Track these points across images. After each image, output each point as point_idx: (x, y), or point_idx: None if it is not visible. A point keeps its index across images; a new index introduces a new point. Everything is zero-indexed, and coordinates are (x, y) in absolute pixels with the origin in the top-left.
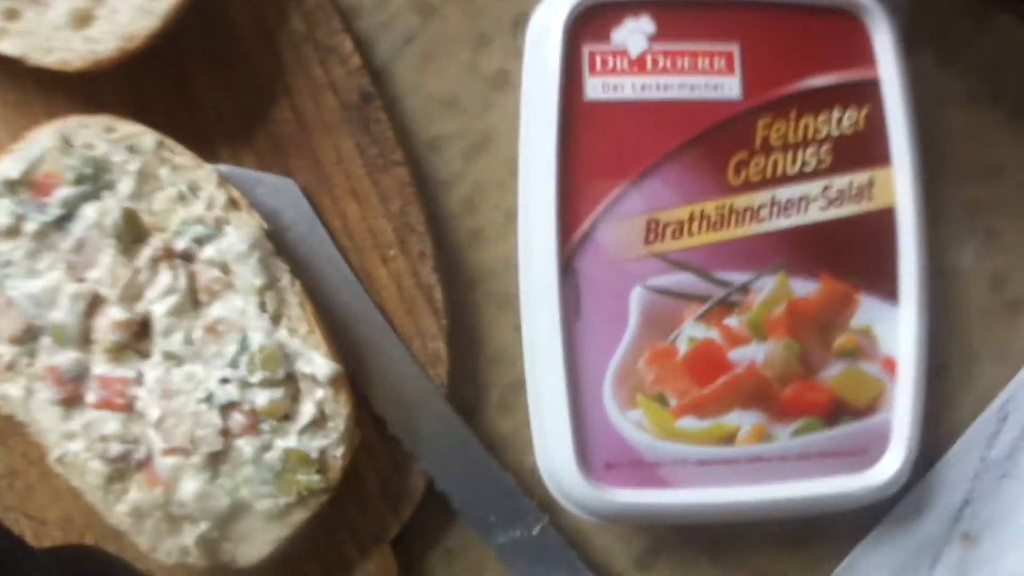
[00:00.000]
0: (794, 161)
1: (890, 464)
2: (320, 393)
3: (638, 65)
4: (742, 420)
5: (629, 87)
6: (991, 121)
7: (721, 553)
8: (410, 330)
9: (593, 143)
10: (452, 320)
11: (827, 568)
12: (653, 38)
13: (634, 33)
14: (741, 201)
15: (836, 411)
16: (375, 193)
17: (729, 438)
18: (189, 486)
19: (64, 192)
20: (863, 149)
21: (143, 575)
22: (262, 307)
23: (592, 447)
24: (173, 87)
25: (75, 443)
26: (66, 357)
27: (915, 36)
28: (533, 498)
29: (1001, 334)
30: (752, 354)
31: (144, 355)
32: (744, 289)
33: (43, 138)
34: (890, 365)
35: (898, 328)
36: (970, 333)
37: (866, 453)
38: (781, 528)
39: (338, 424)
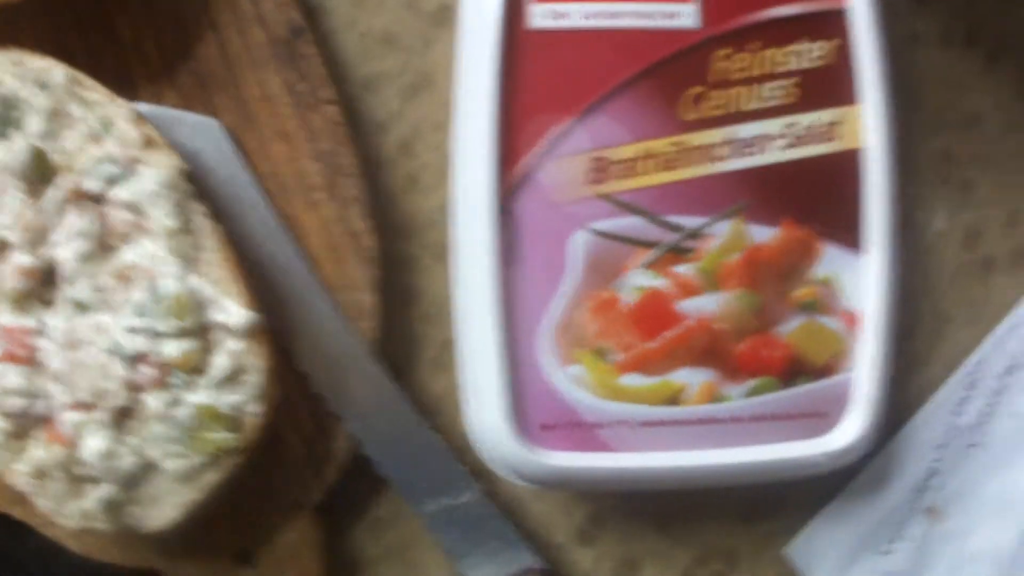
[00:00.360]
0: (755, 97)
1: (850, 428)
2: (235, 345)
3: None
4: (691, 378)
5: (577, 15)
6: (967, 66)
7: (669, 525)
8: (337, 280)
9: (535, 75)
10: (383, 271)
11: (782, 541)
12: None
13: None
14: (695, 139)
15: (793, 369)
16: (303, 133)
17: (677, 398)
18: (93, 444)
19: None
20: (830, 85)
21: (49, 540)
22: (175, 252)
23: (526, 406)
24: (94, 23)
25: None
26: None
27: None
28: (466, 464)
29: (973, 294)
30: (704, 306)
31: (49, 303)
32: (697, 235)
33: None
34: (852, 320)
35: (862, 280)
36: (940, 292)
37: (825, 416)
38: (734, 498)
39: (254, 379)
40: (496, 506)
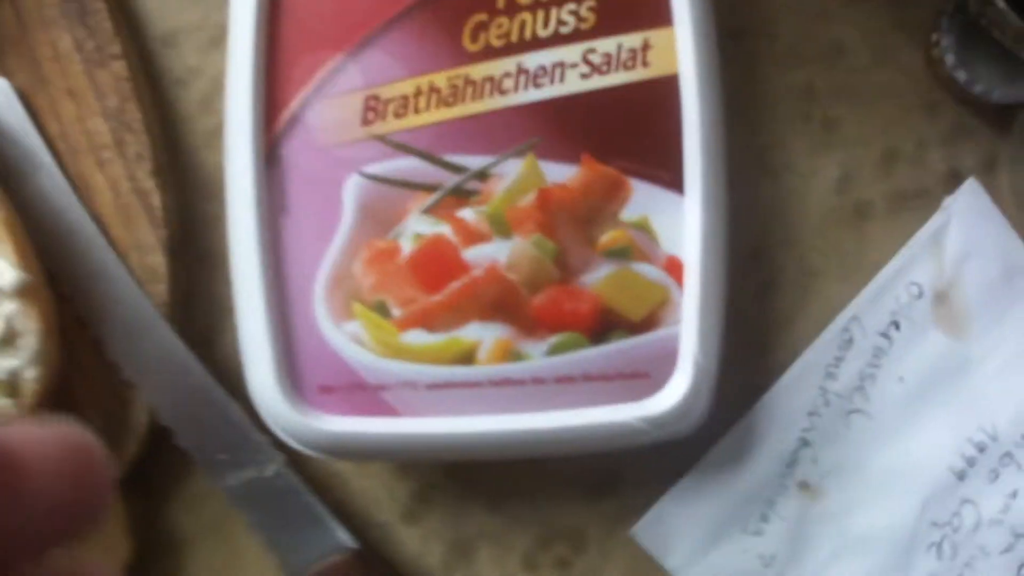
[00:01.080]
0: (546, 22)
1: (677, 388)
2: (9, 307)
3: None
4: (483, 335)
5: None
6: None
7: (504, 504)
8: (127, 242)
9: (304, 10)
10: (181, 232)
11: (632, 521)
12: None
13: None
14: (479, 70)
15: (605, 324)
16: (92, 91)
17: (468, 356)
18: None
19: None
20: (636, 7)
21: None
22: None
23: (302, 367)
24: None
25: None
26: None
27: None
28: (269, 435)
29: (844, 244)
30: (493, 253)
31: None
32: (483, 175)
33: None
34: (675, 267)
35: (683, 222)
36: (806, 242)
37: (648, 376)
38: (578, 473)
39: (30, 341)
40: (303, 480)
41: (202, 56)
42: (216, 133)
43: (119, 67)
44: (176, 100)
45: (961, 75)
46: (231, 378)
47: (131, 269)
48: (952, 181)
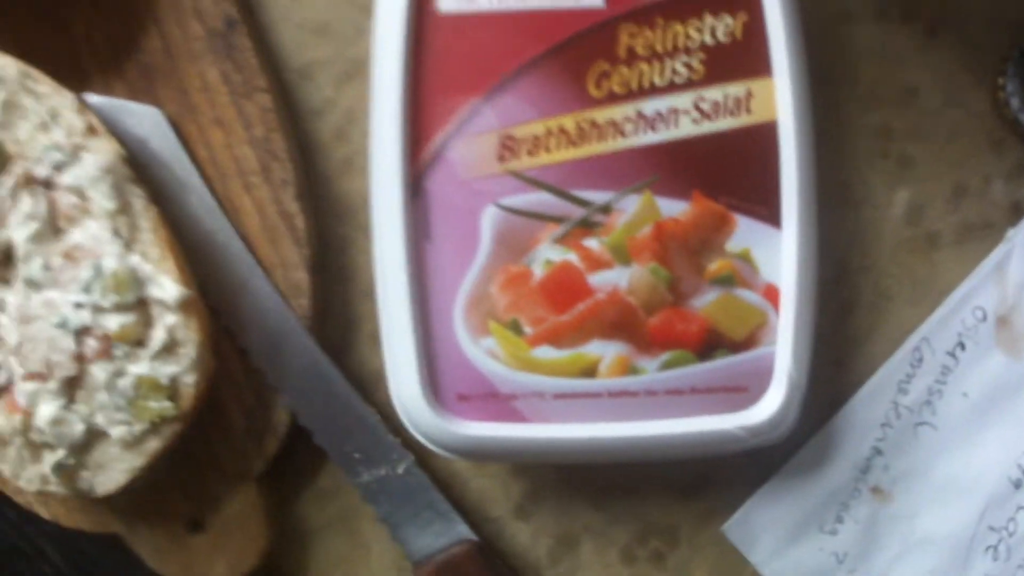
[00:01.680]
0: (662, 72)
1: (772, 401)
2: (171, 319)
3: None
4: (604, 351)
5: None
6: (904, 40)
7: (607, 502)
8: (273, 260)
9: (445, 57)
10: (318, 251)
11: (722, 519)
12: None
13: None
14: (603, 115)
15: (711, 343)
16: (239, 120)
17: (590, 370)
18: (45, 411)
19: None
20: (740, 59)
21: (23, 508)
22: (116, 232)
23: (443, 377)
24: (48, 20)
25: None
26: None
27: None
28: (400, 437)
29: (916, 271)
30: (615, 279)
31: (5, 281)
32: (606, 209)
33: None
34: (772, 294)
35: (781, 253)
36: (881, 268)
37: (747, 390)
38: (671, 476)
39: (189, 350)
40: (430, 478)
41: (336, 89)
42: (349, 161)
43: (264, 99)
44: (312, 130)
45: None
46: (363, 384)
47: (276, 284)
48: (1015, 214)
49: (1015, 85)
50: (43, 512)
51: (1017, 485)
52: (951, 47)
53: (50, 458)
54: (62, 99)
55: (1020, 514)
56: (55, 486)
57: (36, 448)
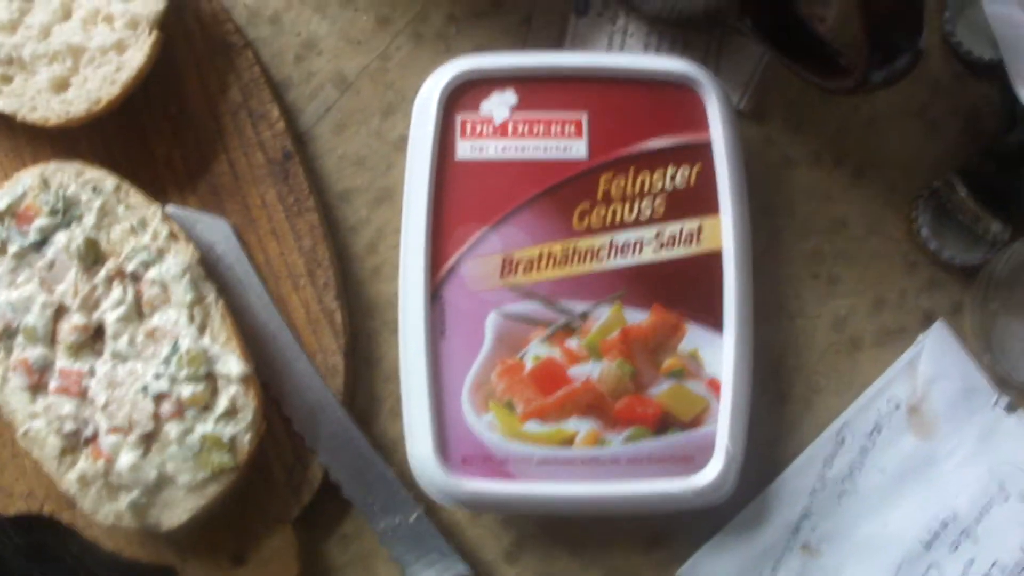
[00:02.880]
0: (631, 210)
1: (712, 469)
2: (233, 389)
3: (501, 130)
4: (579, 426)
5: (493, 149)
6: (835, 181)
7: (581, 549)
8: (314, 346)
9: (461, 195)
10: (351, 341)
11: (677, 567)
12: (515, 108)
13: (499, 104)
14: (584, 243)
15: (664, 422)
16: (291, 233)
17: (568, 441)
18: (125, 460)
19: (41, 222)
20: (694, 200)
21: (87, 541)
22: (191, 319)
23: (451, 443)
24: (135, 142)
25: (38, 421)
26: (35, 352)
27: (766, 106)
28: (413, 491)
29: (841, 368)
30: (589, 371)
31: (97, 353)
32: (584, 316)
33: (26, 178)
34: (715, 385)
35: (722, 353)
36: (812, 366)
37: (693, 460)
38: (635, 530)
39: (247, 415)
40: (436, 526)
41: (370, 210)
42: (378, 270)
43: (313, 218)
44: (349, 243)
45: (933, 244)
46: (384, 449)
47: (316, 366)
48: (926, 322)
49: (926, 217)
50: (107, 544)
51: (927, 546)
52: (874, 186)
53: (125, 498)
54: (149, 210)
55: (931, 572)
56: (128, 521)
57: (114, 489)
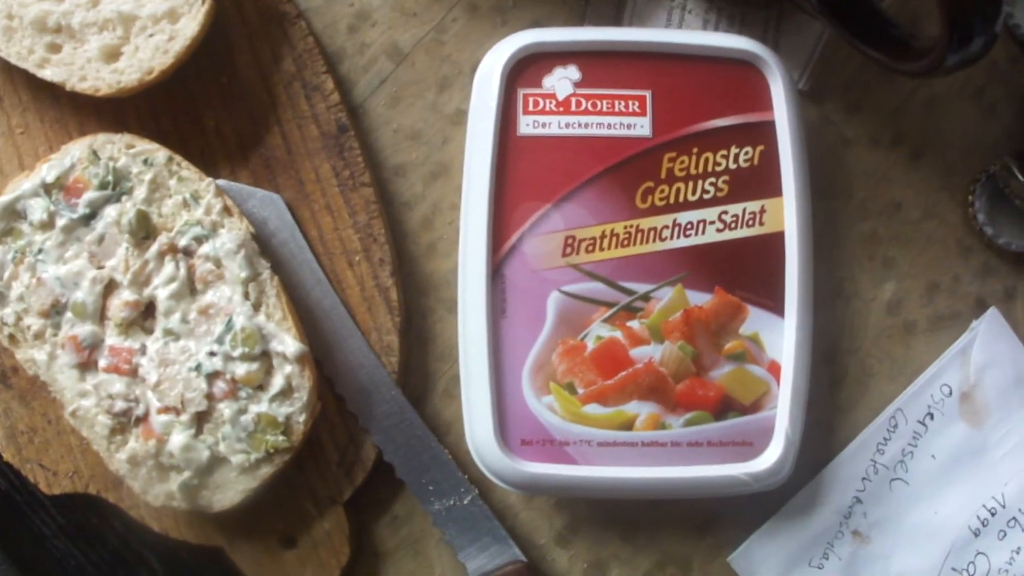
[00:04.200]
0: (694, 190)
1: (772, 454)
2: (288, 368)
3: (564, 106)
4: (640, 409)
5: (556, 125)
6: (892, 162)
7: (633, 534)
8: (369, 324)
9: (523, 171)
10: (406, 319)
11: (729, 552)
12: (578, 84)
13: (562, 79)
14: (646, 223)
15: (725, 406)
16: (346, 208)
17: (628, 424)
18: (177, 440)
19: (90, 195)
20: (757, 181)
21: (133, 520)
22: (245, 296)
23: (510, 426)
24: (185, 114)
25: (87, 400)
26: (84, 329)
27: (824, 86)
28: (466, 473)
29: (895, 353)
30: (650, 353)
31: (148, 331)
32: (646, 297)
33: (75, 150)
34: (775, 369)
35: (783, 337)
36: (866, 350)
37: (752, 444)
38: (687, 514)
39: (302, 395)
40: (490, 508)
41: (424, 186)
42: (433, 246)
43: (368, 192)
44: (404, 219)
45: (988, 230)
46: (437, 430)
47: (371, 345)
48: (979, 308)
49: (982, 202)
50: (155, 525)
51: (976, 533)
52: (931, 169)
53: (177, 479)
54: (202, 183)
55: (979, 559)
56: (179, 502)
57: (165, 469)
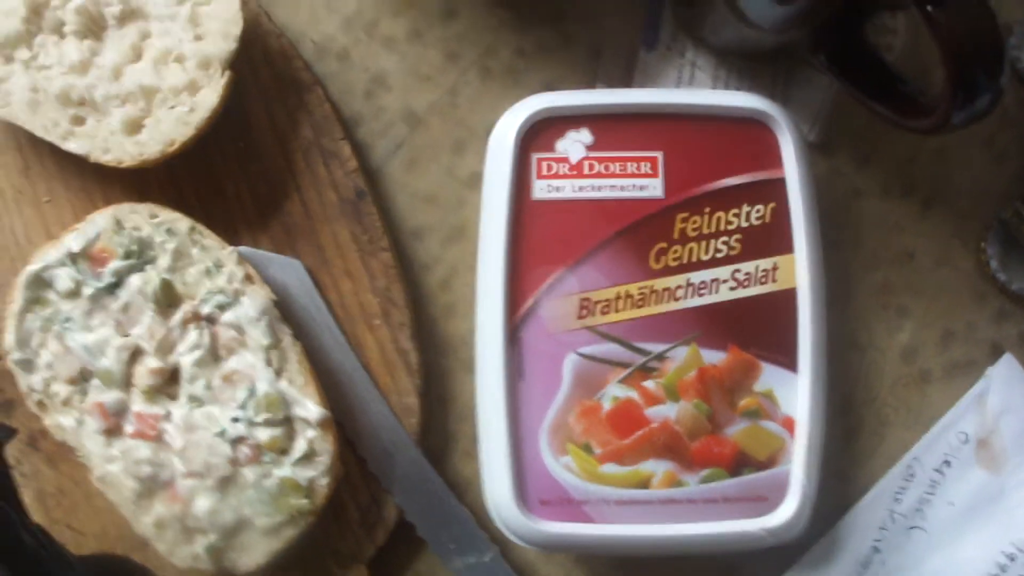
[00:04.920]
0: (707, 249)
1: (788, 509)
2: (311, 433)
3: (577, 169)
4: (656, 468)
5: (569, 188)
6: (903, 212)
7: None
8: (389, 387)
9: (538, 235)
10: (426, 380)
11: None
12: (590, 147)
13: (575, 143)
14: (660, 283)
15: (740, 462)
16: (365, 273)
17: (645, 482)
18: (203, 503)
19: (115, 264)
20: (769, 238)
21: None
22: (268, 362)
23: (529, 486)
24: (206, 182)
25: (114, 465)
26: (111, 396)
27: (835, 138)
28: (487, 531)
29: (910, 401)
30: (666, 412)
31: (173, 397)
32: (661, 357)
33: (100, 220)
34: (789, 424)
35: (797, 393)
36: (881, 400)
37: (767, 499)
38: (705, 568)
39: (324, 459)
40: (511, 566)
41: (442, 248)
42: (452, 307)
43: (387, 257)
44: (422, 281)
45: (1002, 276)
46: (457, 488)
47: (391, 407)
48: (995, 354)
49: (995, 248)
50: None
51: None
52: (942, 217)
53: (202, 541)
54: (224, 251)
55: None
56: (204, 564)
57: (190, 532)
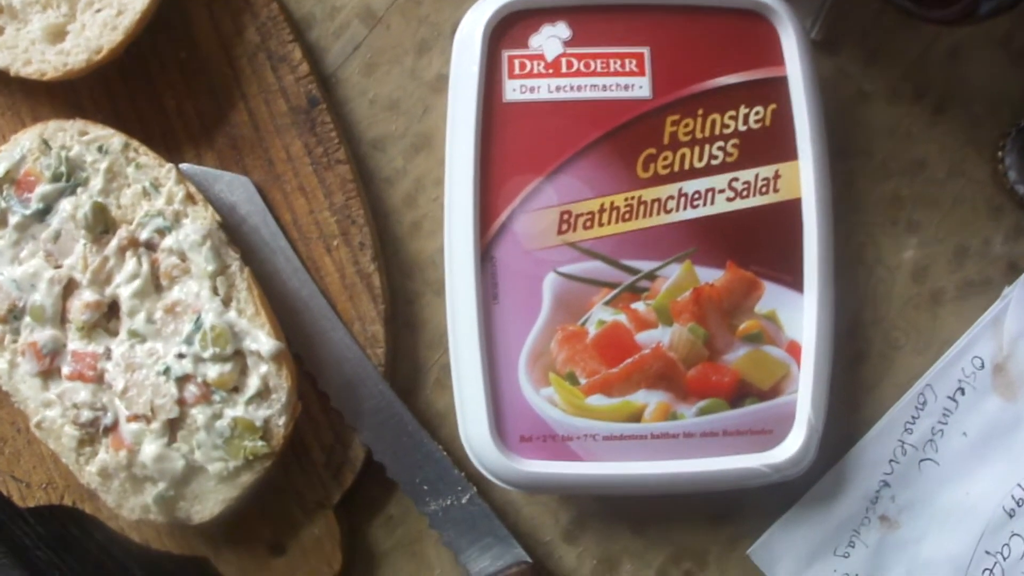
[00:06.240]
0: (701, 156)
1: (793, 442)
2: (264, 368)
3: (554, 68)
4: (648, 399)
5: (545, 88)
6: (914, 117)
7: (644, 527)
8: (351, 314)
9: (511, 141)
10: (391, 305)
11: (747, 544)
12: (568, 43)
13: (551, 38)
14: (649, 194)
15: (741, 392)
16: (321, 189)
17: (636, 416)
18: (149, 449)
19: (43, 188)
20: (770, 144)
21: (113, 531)
22: (214, 291)
23: (507, 421)
24: (143, 95)
25: (52, 410)
26: (44, 334)
27: (838, 35)
28: (463, 470)
29: (921, 324)
30: (658, 337)
31: (112, 333)
32: (651, 276)
33: (25, 140)
34: (794, 349)
35: (802, 314)
36: (891, 323)
37: (771, 432)
38: (702, 505)
39: (280, 396)
40: (490, 507)
41: (405, 160)
42: (418, 225)
43: (344, 170)
44: (385, 196)
45: (1020, 187)
46: (430, 424)
47: (354, 336)
48: (1012, 273)
49: (1012, 158)
50: (135, 536)
51: (1011, 514)
52: (956, 123)
53: (152, 490)
54: (163, 170)
55: (1014, 540)
56: (155, 515)
57: (138, 481)
